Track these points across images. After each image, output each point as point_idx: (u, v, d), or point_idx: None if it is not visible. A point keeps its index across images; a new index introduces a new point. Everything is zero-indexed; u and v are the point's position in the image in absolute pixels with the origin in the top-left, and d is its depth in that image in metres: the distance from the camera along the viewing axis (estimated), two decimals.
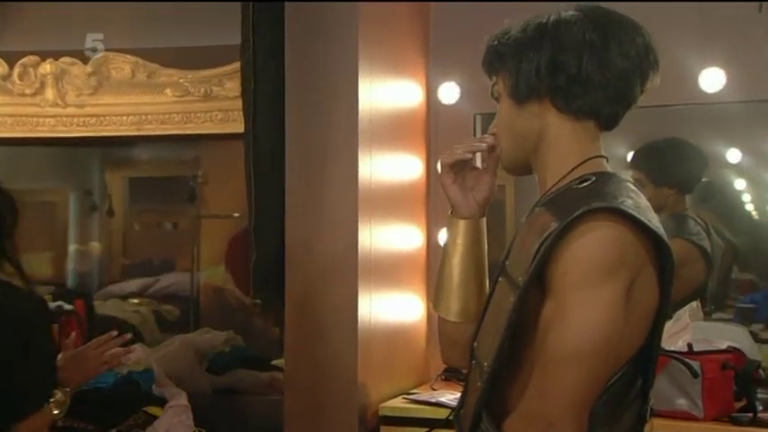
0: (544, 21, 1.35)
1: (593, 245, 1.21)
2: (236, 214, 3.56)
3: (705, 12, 2.70)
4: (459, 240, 1.47)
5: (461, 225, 1.47)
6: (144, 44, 3.23)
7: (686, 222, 2.86)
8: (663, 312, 1.30)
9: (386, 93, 2.77)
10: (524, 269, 1.25)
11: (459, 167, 1.45)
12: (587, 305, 1.21)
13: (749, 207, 3.01)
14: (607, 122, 1.35)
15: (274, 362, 3.19)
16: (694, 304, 2.63)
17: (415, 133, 3.01)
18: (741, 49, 2.67)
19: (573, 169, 1.33)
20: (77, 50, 3.19)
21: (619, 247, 1.22)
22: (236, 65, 2.77)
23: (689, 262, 2.82)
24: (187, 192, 3.75)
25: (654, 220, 1.27)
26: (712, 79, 2.71)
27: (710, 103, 2.76)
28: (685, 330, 2.43)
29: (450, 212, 1.49)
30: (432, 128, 3.05)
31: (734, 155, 2.91)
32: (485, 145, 1.42)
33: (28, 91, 3.27)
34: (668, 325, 2.33)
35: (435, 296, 1.51)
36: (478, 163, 1.47)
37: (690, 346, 2.38)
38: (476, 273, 1.47)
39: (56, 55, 3.26)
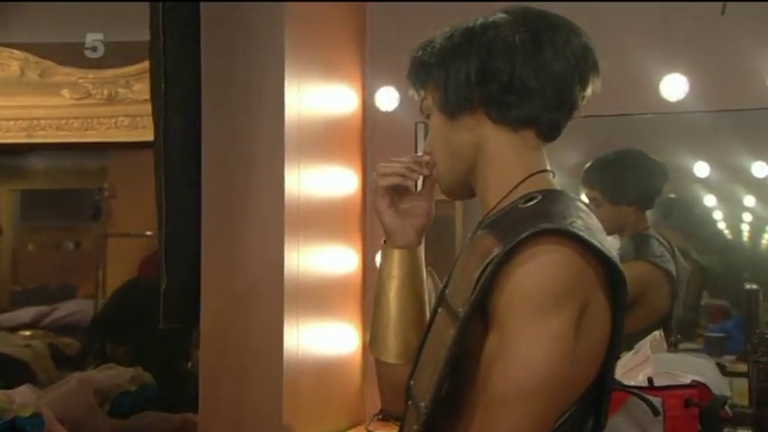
0: (470, 26, 1.37)
1: (539, 271, 1.23)
2: (149, 233, 3.51)
3: (666, 13, 2.77)
4: (396, 272, 1.49)
5: (397, 255, 1.48)
6: (36, 38, 3.17)
7: (649, 243, 2.91)
8: (615, 343, 1.32)
9: (317, 98, 2.78)
10: (465, 298, 1.27)
11: (396, 190, 1.46)
12: (534, 338, 1.22)
13: (721, 225, 3.07)
14: (548, 132, 1.38)
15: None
16: (657, 334, 2.66)
17: (350, 143, 3.02)
18: (705, 55, 2.75)
19: (516, 186, 1.35)
20: None
21: (568, 274, 1.24)
22: (145, 64, 2.74)
23: (653, 287, 2.87)
24: (91, 207, 3.68)
25: (605, 243, 1.29)
26: (675, 86, 2.78)
27: (674, 112, 2.83)
28: (646, 363, 2.46)
29: (383, 241, 1.50)
30: (368, 137, 3.06)
31: (702, 168, 2.98)
32: (427, 170, 1.43)
33: None
34: (627, 357, 2.38)
35: (371, 335, 1.52)
36: (419, 186, 1.48)
37: (650, 380, 2.42)
38: (415, 307, 1.49)
39: None
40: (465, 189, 1.43)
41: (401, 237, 1.47)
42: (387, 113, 3.04)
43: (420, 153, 1.48)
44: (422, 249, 1.51)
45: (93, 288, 3.83)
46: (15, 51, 3.10)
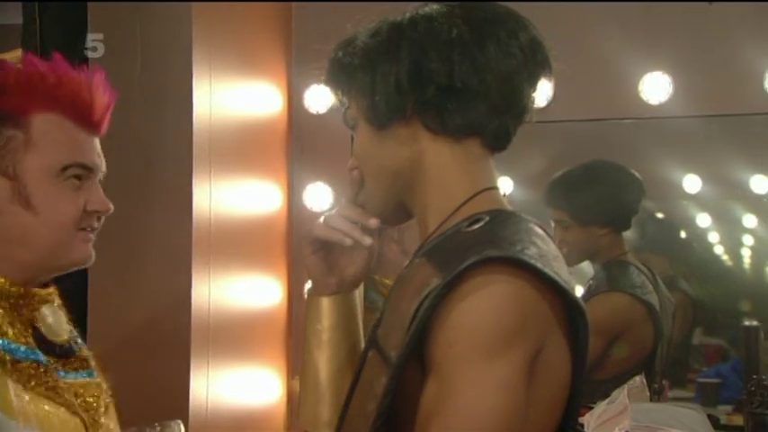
0: (399, 20, 1.38)
1: (485, 306, 1.24)
2: None
3: (648, 2, 2.81)
4: (324, 323, 1.49)
5: (324, 304, 1.49)
6: None
7: (627, 271, 2.94)
8: (577, 390, 1.34)
9: (233, 97, 2.78)
10: (399, 340, 1.27)
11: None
12: (479, 385, 1.23)
13: (717, 250, 3.11)
14: (496, 140, 1.39)
15: None
16: (638, 379, 2.68)
17: (273, 151, 3.03)
18: (692, 51, 2.80)
19: (461, 206, 1.37)
20: None
21: (519, 309, 1.24)
22: (17, 53, 2.72)
23: (631, 323, 2.90)
24: None
25: (563, 273, 1.31)
26: (657, 86, 2.83)
27: (657, 117, 2.88)
28: (623, 415, 2.49)
29: (307, 288, 1.50)
30: (294, 144, 3.07)
31: (692, 183, 3.02)
32: (369, 242, 1.44)
33: None
34: (601, 408, 2.40)
35: (300, 402, 1.52)
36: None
37: None
38: (350, 366, 1.49)
39: None
40: (399, 212, 1.43)
41: (328, 285, 1.49)
42: (317, 116, 3.05)
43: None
44: (357, 295, 1.51)
45: None
46: None
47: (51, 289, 1.62)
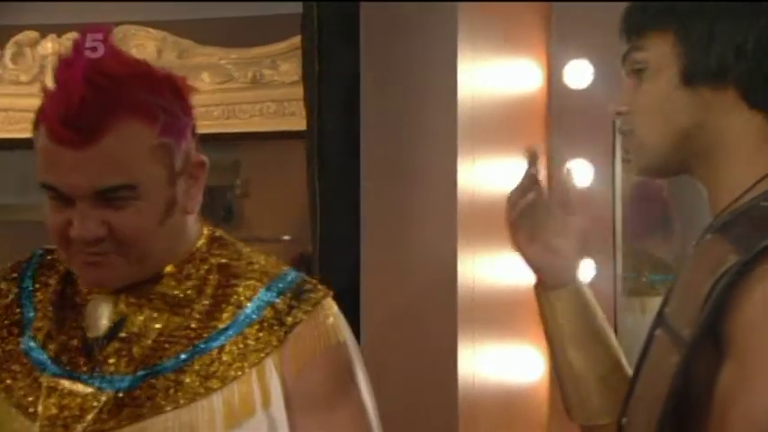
0: None
1: None
2: (287, 237, 3.55)
3: None
4: (562, 319, 1.48)
5: (555, 297, 1.46)
6: (173, 15, 3.28)
7: None
8: None
9: (493, 76, 2.77)
10: (692, 318, 1.24)
11: (532, 215, 1.45)
12: None
13: None
14: None
15: None
16: None
17: (532, 129, 2.99)
18: None
19: (758, 182, 1.30)
20: (87, 24, 3.27)
21: None
22: (296, 40, 2.79)
23: None
24: (222, 207, 3.75)
25: None
26: None
27: None
28: None
29: (534, 285, 1.48)
30: (554, 121, 3.02)
31: None
32: (534, 172, 1.42)
33: (23, 78, 3.37)
34: None
35: (564, 400, 1.53)
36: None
37: None
38: (604, 350, 1.48)
39: (59, 30, 3.33)
40: (675, 166, 1.38)
41: (555, 273, 1.47)
42: (577, 92, 2.99)
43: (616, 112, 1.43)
44: (584, 285, 1.50)
45: None
46: (152, 31, 3.21)
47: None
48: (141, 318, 1.45)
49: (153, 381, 1.42)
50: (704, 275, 1.24)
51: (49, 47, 3.37)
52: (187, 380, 1.41)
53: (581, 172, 3.02)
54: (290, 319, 1.44)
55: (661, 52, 1.35)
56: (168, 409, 1.41)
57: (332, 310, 1.49)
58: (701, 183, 1.38)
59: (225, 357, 1.43)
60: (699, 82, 1.32)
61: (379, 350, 2.61)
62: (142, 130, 1.36)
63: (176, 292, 1.46)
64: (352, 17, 2.58)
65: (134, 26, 3.28)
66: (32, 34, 3.41)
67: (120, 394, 1.41)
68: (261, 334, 1.44)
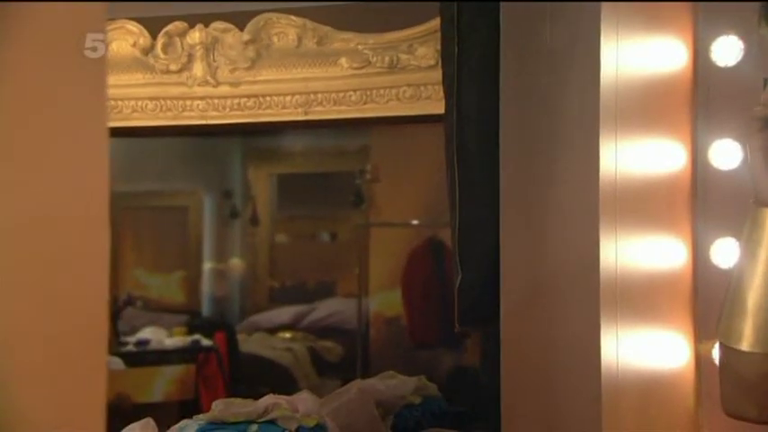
0: None
1: None
2: (416, 221, 3.56)
3: None
4: (755, 236, 1.46)
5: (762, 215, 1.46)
6: (312, 2, 3.31)
7: None
8: None
9: (637, 54, 2.70)
10: None
11: None
12: None
13: None
14: None
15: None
16: None
17: (677, 109, 2.90)
18: None
19: None
20: (232, 13, 3.33)
21: None
22: (433, 24, 2.78)
23: None
24: (351, 192, 3.77)
25: None
26: None
27: None
28: None
29: (752, 200, 1.45)
30: (700, 101, 2.92)
31: None
32: None
33: (173, 67, 3.45)
34: None
35: (724, 316, 1.50)
36: None
37: None
38: None
39: (206, 20, 3.40)
40: None
41: None
42: (726, 69, 2.88)
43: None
44: None
45: (354, 286, 3.91)
46: (294, 18, 3.25)
47: None
48: None
49: None
50: None
51: (197, 36, 3.45)
52: None
53: (727, 153, 2.93)
54: None
55: None
56: None
57: None
58: None
59: None
60: None
61: (520, 336, 2.59)
62: None
63: None
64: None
65: (276, 14, 3.32)
66: (181, 25, 3.50)
67: None
68: None
